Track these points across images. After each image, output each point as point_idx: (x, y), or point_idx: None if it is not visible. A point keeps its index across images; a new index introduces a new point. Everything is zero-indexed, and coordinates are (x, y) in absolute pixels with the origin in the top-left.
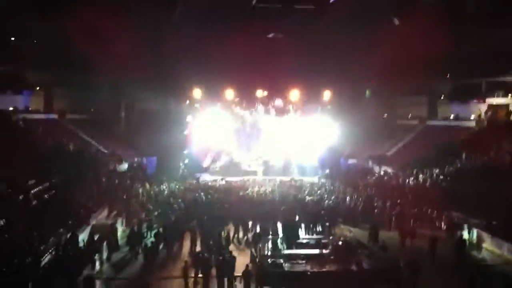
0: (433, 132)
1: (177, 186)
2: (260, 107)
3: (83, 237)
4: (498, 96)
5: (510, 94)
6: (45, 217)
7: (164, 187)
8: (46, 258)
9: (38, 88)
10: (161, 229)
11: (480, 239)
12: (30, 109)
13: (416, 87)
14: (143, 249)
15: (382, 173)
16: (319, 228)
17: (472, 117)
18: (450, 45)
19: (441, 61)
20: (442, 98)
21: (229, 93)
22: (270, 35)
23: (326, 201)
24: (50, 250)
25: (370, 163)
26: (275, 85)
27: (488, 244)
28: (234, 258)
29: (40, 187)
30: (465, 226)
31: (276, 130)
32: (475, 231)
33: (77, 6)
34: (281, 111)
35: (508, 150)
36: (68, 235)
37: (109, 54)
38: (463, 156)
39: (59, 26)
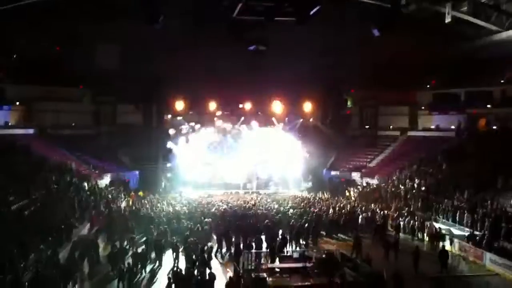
0: (414, 143)
1: (159, 201)
2: (243, 119)
3: (64, 253)
4: (477, 106)
5: (488, 104)
6: (26, 233)
7: (146, 201)
8: (27, 276)
9: (18, 103)
10: (139, 249)
11: (462, 250)
12: (10, 124)
13: (397, 97)
14: (119, 270)
15: (364, 184)
16: (302, 241)
17: (452, 127)
18: (429, 55)
19: (421, 71)
20: (422, 108)
21: (212, 106)
22: (252, 47)
23: (309, 213)
24: (31, 268)
25: (352, 174)
26: (258, 97)
27: (471, 255)
28: (213, 275)
29: (20, 203)
30: (447, 237)
31: (259, 142)
32: (457, 242)
33: (61, 16)
34: (263, 123)
35: (488, 160)
36: (49, 252)
37: (90, 65)
38: (444, 166)
39: (38, 38)
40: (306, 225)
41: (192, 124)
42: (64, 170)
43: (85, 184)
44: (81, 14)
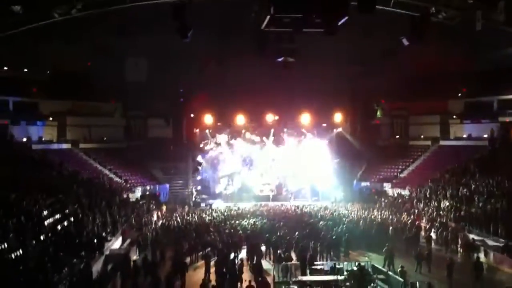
0: (446, 152)
1: (190, 213)
2: (272, 131)
3: (97, 267)
4: (510, 115)
5: None
6: (59, 247)
7: (177, 214)
8: None
9: (51, 118)
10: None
11: (497, 261)
12: (43, 139)
13: (428, 106)
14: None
15: (395, 195)
16: (333, 254)
17: (485, 136)
18: (461, 63)
19: (453, 79)
20: (454, 117)
21: (240, 118)
22: (280, 59)
23: (340, 225)
24: (64, 281)
25: (383, 185)
26: (286, 108)
27: (506, 266)
28: None
29: (54, 217)
30: (482, 248)
31: (289, 153)
32: (492, 253)
33: (92, 31)
34: (293, 135)
35: None
36: (82, 265)
37: (121, 80)
38: (477, 176)
39: (70, 53)
40: (337, 237)
41: (221, 137)
42: (96, 184)
43: (117, 198)
44: (111, 29)
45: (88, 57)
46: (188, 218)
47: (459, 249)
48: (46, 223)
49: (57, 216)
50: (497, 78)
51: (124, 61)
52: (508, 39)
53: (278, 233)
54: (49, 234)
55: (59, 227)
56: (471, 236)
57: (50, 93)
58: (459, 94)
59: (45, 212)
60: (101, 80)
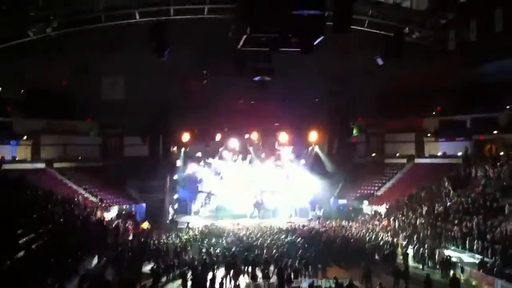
0: (421, 170)
1: (166, 232)
2: (250, 149)
3: (72, 287)
4: (483, 133)
5: (495, 130)
6: (33, 267)
7: (153, 233)
8: None
9: (25, 138)
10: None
11: (473, 278)
12: (17, 158)
13: (403, 124)
14: None
15: (372, 213)
16: (311, 271)
17: (459, 154)
18: (434, 82)
19: (427, 98)
20: (429, 135)
21: (218, 136)
22: (257, 78)
23: (318, 242)
24: None
25: (360, 203)
26: (264, 126)
27: (482, 283)
28: None
29: (29, 236)
30: (458, 264)
31: (266, 171)
32: (468, 270)
33: (69, 50)
34: (270, 153)
35: (496, 187)
36: (56, 285)
37: (97, 98)
38: (452, 193)
39: (45, 72)
40: (315, 254)
41: (198, 154)
42: (71, 203)
43: (92, 217)
44: (87, 47)
45: (64, 75)
46: (164, 237)
47: (436, 265)
48: (20, 242)
49: (32, 235)
50: (470, 96)
51: (101, 79)
52: (480, 57)
53: (256, 251)
54: (24, 254)
55: (33, 246)
56: (448, 252)
57: (25, 112)
58: (434, 113)
59: (19, 231)
60: (77, 98)
